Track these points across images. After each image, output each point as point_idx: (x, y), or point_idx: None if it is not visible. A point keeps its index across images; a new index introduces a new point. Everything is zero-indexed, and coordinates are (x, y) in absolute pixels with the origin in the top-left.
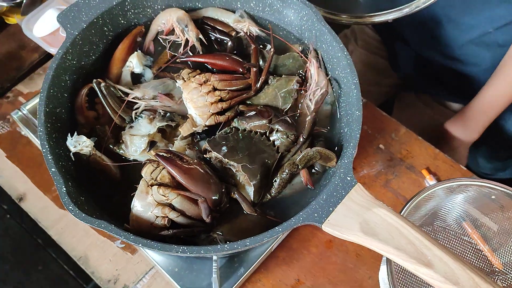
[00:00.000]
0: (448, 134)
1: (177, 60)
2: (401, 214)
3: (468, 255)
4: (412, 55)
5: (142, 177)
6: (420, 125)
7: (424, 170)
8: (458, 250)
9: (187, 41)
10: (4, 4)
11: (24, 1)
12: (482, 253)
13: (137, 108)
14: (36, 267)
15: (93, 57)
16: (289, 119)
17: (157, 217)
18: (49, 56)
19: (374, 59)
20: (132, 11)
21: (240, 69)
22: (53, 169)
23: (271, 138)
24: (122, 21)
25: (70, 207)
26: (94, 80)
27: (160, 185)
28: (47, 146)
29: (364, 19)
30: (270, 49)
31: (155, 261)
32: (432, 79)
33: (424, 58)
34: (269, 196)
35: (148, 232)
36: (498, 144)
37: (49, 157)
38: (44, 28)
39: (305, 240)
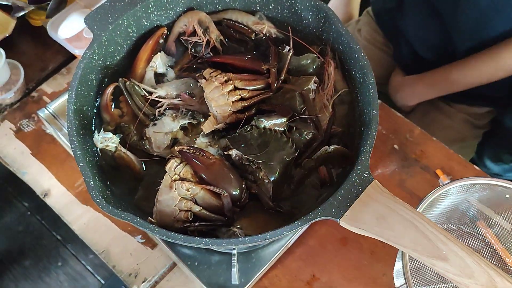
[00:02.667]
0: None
1: (198, 61)
2: None
3: (482, 254)
4: (411, 51)
5: (166, 172)
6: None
7: (438, 170)
8: (472, 249)
9: (208, 42)
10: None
11: (50, 5)
12: (496, 251)
13: (160, 107)
14: (55, 263)
15: (118, 57)
16: (306, 118)
17: (180, 210)
18: (72, 57)
19: (377, 52)
20: (155, 13)
21: (259, 69)
22: (81, 164)
23: (289, 136)
24: (146, 23)
25: (98, 200)
26: (120, 79)
27: (183, 180)
28: (75, 142)
29: None
30: (288, 50)
31: (175, 255)
32: None
33: (425, 60)
34: (287, 192)
35: (171, 226)
36: (500, 147)
37: (78, 152)
38: (69, 30)
39: (321, 237)
